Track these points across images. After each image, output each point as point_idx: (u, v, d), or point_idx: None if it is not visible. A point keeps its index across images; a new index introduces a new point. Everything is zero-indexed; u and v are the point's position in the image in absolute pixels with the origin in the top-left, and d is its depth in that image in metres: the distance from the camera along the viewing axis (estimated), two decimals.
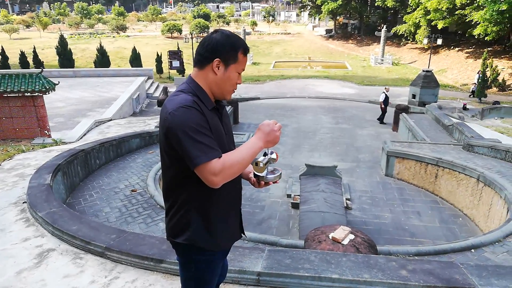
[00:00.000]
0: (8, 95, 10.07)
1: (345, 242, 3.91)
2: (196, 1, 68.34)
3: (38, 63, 26.04)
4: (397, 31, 31.42)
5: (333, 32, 40.86)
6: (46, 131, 10.75)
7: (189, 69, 26.05)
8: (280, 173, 1.89)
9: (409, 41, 33.20)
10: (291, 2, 46.42)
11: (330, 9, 35.20)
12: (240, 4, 77.63)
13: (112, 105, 15.78)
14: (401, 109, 13.94)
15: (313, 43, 39.19)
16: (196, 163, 1.64)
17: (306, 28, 46.12)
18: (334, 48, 37.26)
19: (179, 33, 37.72)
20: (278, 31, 43.32)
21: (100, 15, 50.61)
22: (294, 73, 28.99)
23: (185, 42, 28.59)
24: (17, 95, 10.10)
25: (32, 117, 10.35)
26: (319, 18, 43.87)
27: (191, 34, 28.66)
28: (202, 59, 1.81)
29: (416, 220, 8.02)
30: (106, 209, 6.31)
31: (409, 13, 30.41)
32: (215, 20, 43.27)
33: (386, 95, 15.43)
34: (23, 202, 5.01)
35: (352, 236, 4.02)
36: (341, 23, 41.84)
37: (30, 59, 26.38)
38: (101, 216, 6.13)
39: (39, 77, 10.03)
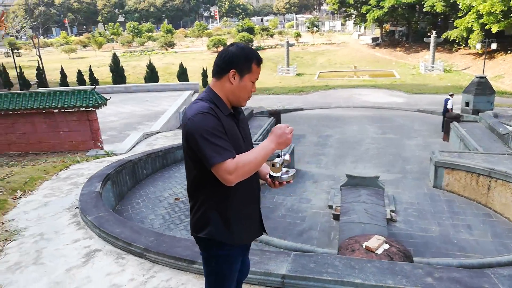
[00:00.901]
0: (65, 110, 10.86)
1: (379, 251, 3.82)
2: (241, 15, 69.88)
3: (93, 80, 27.81)
4: (448, 37, 30.14)
5: (379, 40, 39.99)
6: (99, 144, 11.43)
7: None
8: (294, 174, 2.04)
9: (462, 47, 31.72)
10: (335, 12, 46.12)
11: (376, 17, 34.52)
12: (284, 16, 78.31)
13: (159, 118, 16.46)
14: (452, 118, 13.33)
15: (359, 52, 38.57)
16: (212, 163, 1.81)
17: (351, 37, 45.53)
18: (381, 57, 36.42)
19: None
20: (323, 41, 43.10)
21: (150, 33, 53.17)
22: (339, 83, 28.66)
23: None
24: (73, 110, 10.85)
25: (87, 130, 11.06)
26: (365, 27, 43.17)
27: None
28: (220, 70, 1.98)
29: (467, 234, 7.60)
30: (151, 216, 6.60)
31: (460, 17, 29.12)
32: (259, 33, 43.92)
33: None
34: (76, 208, 5.38)
35: (386, 246, 3.92)
36: (387, 30, 40.89)
37: (86, 77, 28.24)
38: (146, 222, 6.41)
39: (92, 93, 10.73)
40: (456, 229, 7.79)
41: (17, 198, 6.16)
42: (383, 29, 40.16)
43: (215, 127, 1.85)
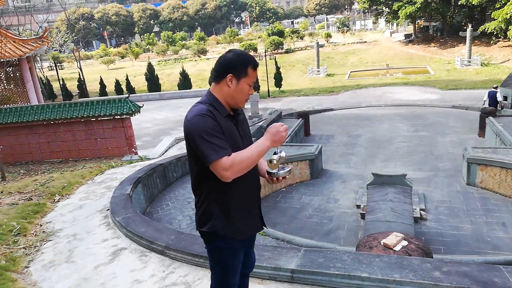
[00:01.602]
0: (102, 118, 11.46)
1: (397, 248, 3.83)
2: (272, 19, 70.15)
3: (130, 89, 28.94)
4: (486, 29, 28.87)
5: (412, 37, 38.91)
6: (133, 149, 11.95)
7: (264, 86, 26.79)
8: (290, 169, 2.15)
9: (500, 39, 30.28)
10: (366, 11, 45.34)
11: (408, 13, 33.63)
12: (315, 17, 77.82)
13: None
14: (487, 113, 12.82)
15: (391, 49, 37.71)
16: (209, 160, 1.95)
17: (383, 35, 44.60)
18: (415, 53, 35.43)
19: (254, 52, 39.03)
20: (353, 41, 42.50)
21: (183, 42, 54.52)
22: (371, 81, 28.16)
23: (259, 60, 29.51)
24: (109, 118, 11.43)
25: (122, 137, 11.61)
26: (397, 24, 42.15)
27: (265, 52, 29.53)
28: (218, 74, 2.14)
29: (501, 232, 7.32)
30: (179, 217, 6.86)
31: (498, 8, 27.83)
32: (289, 35, 43.92)
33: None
34: (107, 210, 5.71)
35: (405, 243, 3.91)
36: (421, 26, 39.71)
37: (123, 86, 29.42)
38: (174, 223, 6.68)
39: (126, 101, 11.26)
40: (489, 227, 7.53)
41: (55, 202, 6.61)
42: (417, 25, 39.04)
43: (212, 127, 1.99)
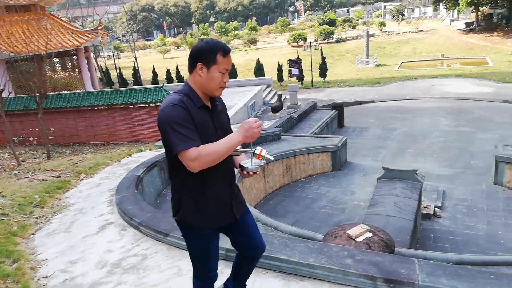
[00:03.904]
0: (139, 105, 12.27)
1: (359, 239, 3.91)
2: (326, 8, 68.70)
3: (180, 79, 30.12)
4: None
5: (474, 25, 36.29)
6: None
7: (308, 76, 26.62)
8: (262, 165, 2.16)
9: None
10: None
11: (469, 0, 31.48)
12: (372, 5, 74.96)
13: (228, 112, 17.39)
14: None
15: (449, 39, 35.52)
16: (176, 150, 2.01)
17: (442, 24, 42.04)
18: (475, 43, 33.09)
19: (304, 42, 38.69)
20: (409, 30, 40.52)
21: (236, 31, 55.31)
22: (422, 73, 26.88)
23: (304, 50, 29.26)
24: (144, 105, 12.21)
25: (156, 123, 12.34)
26: (458, 11, 39.48)
27: (310, 43, 29.22)
28: (189, 65, 2.18)
29: None
30: None
31: None
32: (341, 25, 42.87)
33: None
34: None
35: (369, 235, 3.98)
36: (485, 13, 36.89)
37: (174, 75, 30.68)
38: None
39: (160, 90, 11.95)
40: (507, 228, 7.17)
41: (80, 180, 7.34)
42: (480, 12, 36.33)
43: (182, 117, 2.02)
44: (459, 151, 11.76)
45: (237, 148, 2.14)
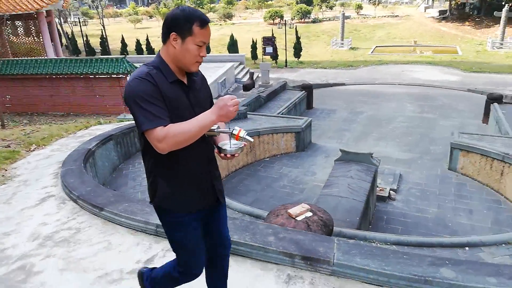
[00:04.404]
0: (99, 76, 11.81)
1: (299, 218, 3.94)
2: None
3: (150, 50, 29.25)
4: None
5: (447, 14, 36.88)
6: None
7: (282, 55, 26.42)
8: (242, 147, 1.97)
9: None
10: None
11: None
12: None
13: None
14: (493, 99, 12.29)
15: (422, 25, 35.99)
16: (142, 129, 1.81)
17: (417, 10, 42.49)
18: (447, 31, 33.71)
19: (280, 19, 38.21)
20: (385, 14, 40.77)
21: (212, 4, 53.94)
22: (393, 58, 27.22)
23: (279, 28, 28.91)
24: (106, 76, 11.77)
25: (118, 96, 11.95)
26: None
27: (285, 21, 28.90)
28: (163, 34, 1.92)
29: (465, 218, 7.25)
30: (143, 175, 7.16)
31: None
32: (318, 5, 42.57)
33: None
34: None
35: (309, 214, 4.01)
36: (458, 3, 37.50)
37: (144, 46, 29.75)
38: (137, 180, 7.02)
39: (123, 61, 11.52)
40: (455, 212, 7.46)
41: (30, 151, 7.03)
42: (453, 1, 36.90)
43: (149, 93, 1.81)
44: (420, 136, 12.06)
45: (213, 127, 1.94)
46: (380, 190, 8.10)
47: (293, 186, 8.82)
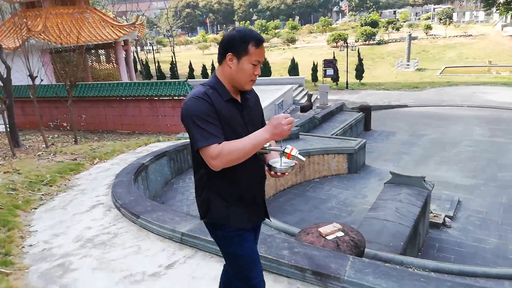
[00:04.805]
0: (163, 98, 12.67)
1: (330, 237, 3.89)
2: (372, 9, 67.05)
3: None
4: None
5: None
6: None
7: (343, 77, 26.20)
8: (293, 166, 1.97)
9: None
10: (478, 0, 40.83)
11: None
12: (422, 7, 72.28)
13: None
14: None
15: (499, 44, 33.62)
16: (197, 146, 1.88)
17: (493, 29, 39.84)
18: None
19: (344, 42, 38.04)
20: (456, 34, 38.76)
21: (277, 30, 55.31)
22: (465, 79, 25.67)
23: (341, 50, 28.79)
24: (169, 98, 12.60)
25: (179, 116, 12.67)
26: None
27: (347, 43, 28.73)
28: (219, 55, 2.02)
29: None
30: (192, 190, 7.50)
31: None
32: (384, 26, 41.74)
33: None
34: None
35: (340, 234, 3.95)
36: None
37: (209, 71, 31.29)
38: (185, 194, 7.37)
39: (184, 84, 12.27)
40: None
41: (94, 164, 7.73)
42: None
43: (205, 112, 1.88)
44: (487, 162, 11.19)
45: (265, 145, 1.96)
46: (434, 216, 7.63)
47: (341, 208, 8.62)
